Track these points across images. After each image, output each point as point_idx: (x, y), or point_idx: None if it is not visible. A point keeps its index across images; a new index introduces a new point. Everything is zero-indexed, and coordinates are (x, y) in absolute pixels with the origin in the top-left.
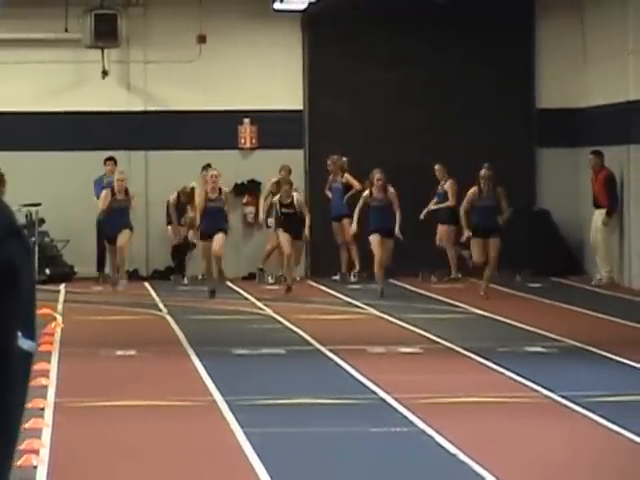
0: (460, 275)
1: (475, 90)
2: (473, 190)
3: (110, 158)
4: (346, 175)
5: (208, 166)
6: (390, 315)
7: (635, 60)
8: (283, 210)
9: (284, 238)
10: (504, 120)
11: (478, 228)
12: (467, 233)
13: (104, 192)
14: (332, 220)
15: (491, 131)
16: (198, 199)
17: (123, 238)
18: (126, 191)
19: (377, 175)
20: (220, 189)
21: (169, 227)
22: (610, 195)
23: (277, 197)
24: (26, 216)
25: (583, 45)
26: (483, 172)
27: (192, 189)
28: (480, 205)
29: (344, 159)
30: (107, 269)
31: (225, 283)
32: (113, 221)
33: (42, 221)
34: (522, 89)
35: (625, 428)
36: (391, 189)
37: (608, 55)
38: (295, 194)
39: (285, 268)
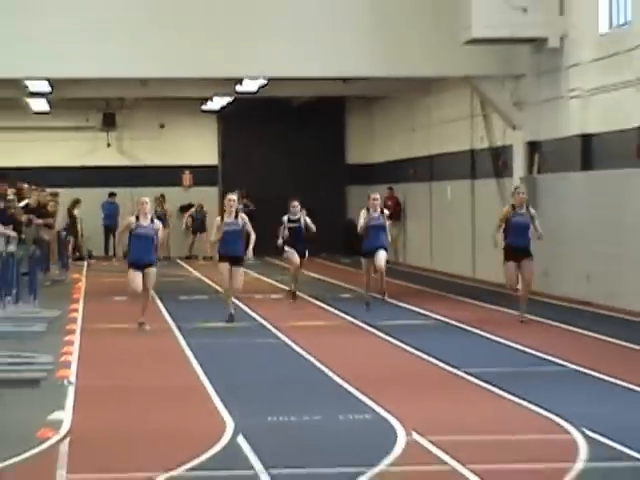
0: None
1: (314, 154)
2: (507, 208)
3: (112, 193)
4: (245, 200)
5: (162, 196)
6: (265, 277)
7: (400, 138)
8: (290, 225)
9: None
10: (329, 170)
11: (512, 248)
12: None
13: (128, 218)
14: None
15: (322, 177)
16: (215, 224)
17: (149, 280)
18: (152, 219)
19: (373, 195)
20: (237, 213)
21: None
22: (398, 213)
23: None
24: None
25: (371, 129)
26: (518, 192)
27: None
28: (514, 221)
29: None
30: (110, 252)
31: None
32: (139, 249)
33: None
34: (338, 153)
35: (401, 341)
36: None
37: (386, 135)
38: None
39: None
